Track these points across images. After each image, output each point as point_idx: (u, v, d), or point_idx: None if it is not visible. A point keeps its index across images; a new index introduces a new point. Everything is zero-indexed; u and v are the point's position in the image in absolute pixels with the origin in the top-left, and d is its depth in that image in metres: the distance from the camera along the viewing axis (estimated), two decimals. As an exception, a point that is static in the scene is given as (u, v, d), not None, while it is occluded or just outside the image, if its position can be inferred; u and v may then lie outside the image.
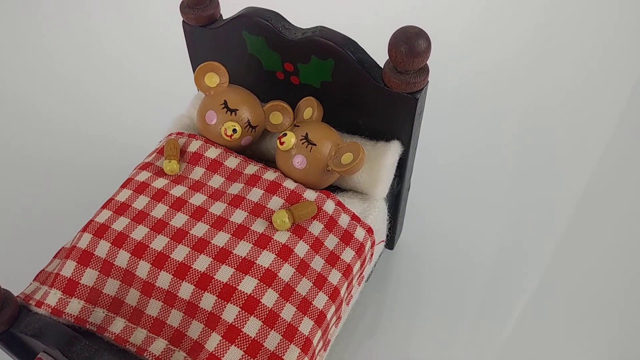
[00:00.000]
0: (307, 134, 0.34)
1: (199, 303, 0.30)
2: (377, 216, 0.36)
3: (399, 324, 0.44)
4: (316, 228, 0.33)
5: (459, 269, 0.47)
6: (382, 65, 0.34)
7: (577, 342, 0.43)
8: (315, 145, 0.34)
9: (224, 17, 0.38)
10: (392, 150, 0.36)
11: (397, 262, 0.47)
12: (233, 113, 0.35)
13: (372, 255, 0.37)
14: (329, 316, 0.32)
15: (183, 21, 0.38)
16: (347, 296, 0.35)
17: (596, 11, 0.68)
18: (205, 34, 0.38)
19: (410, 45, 0.31)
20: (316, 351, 0.32)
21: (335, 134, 0.35)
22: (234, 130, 0.35)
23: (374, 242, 0.36)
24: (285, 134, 0.34)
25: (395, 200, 0.41)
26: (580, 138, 0.56)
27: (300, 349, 0.30)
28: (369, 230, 0.35)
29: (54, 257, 0.34)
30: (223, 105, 0.35)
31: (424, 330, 0.43)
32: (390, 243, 0.46)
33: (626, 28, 0.66)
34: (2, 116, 0.57)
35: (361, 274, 0.36)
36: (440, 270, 0.46)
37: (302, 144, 0.34)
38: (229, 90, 0.36)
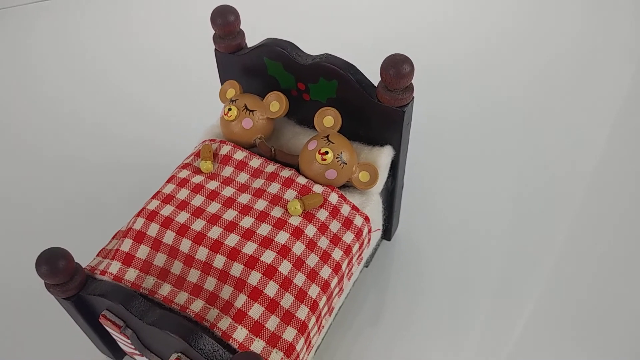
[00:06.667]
0: (341, 153, 0.42)
1: (230, 271, 0.38)
2: (373, 208, 0.44)
3: (398, 311, 0.50)
4: (322, 215, 0.41)
5: (453, 257, 0.53)
6: (375, 85, 0.42)
7: (579, 339, 0.48)
8: (346, 164, 0.42)
9: (249, 46, 0.47)
10: (385, 154, 0.44)
11: (395, 252, 0.54)
12: (234, 102, 0.45)
13: (369, 240, 0.45)
14: (332, 285, 0.40)
15: (215, 49, 0.47)
16: (348, 272, 0.42)
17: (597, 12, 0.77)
18: (233, 60, 0.46)
19: (397, 69, 0.39)
20: (322, 313, 0.40)
21: (355, 153, 0.43)
22: (229, 109, 0.44)
23: (370, 228, 0.44)
24: (327, 152, 0.41)
25: (390, 196, 0.49)
26: (583, 127, 0.63)
27: (309, 308, 0.38)
28: (366, 219, 0.43)
29: (112, 238, 0.43)
30: (229, 100, 0.45)
31: (421, 316, 0.49)
32: (387, 234, 0.53)
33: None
34: (64, 129, 0.67)
35: (360, 255, 0.44)
36: (434, 258, 0.53)
37: (337, 162, 0.42)
38: (239, 95, 0.46)
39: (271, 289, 0.37)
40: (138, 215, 0.41)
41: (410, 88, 0.41)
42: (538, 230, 0.55)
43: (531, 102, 0.67)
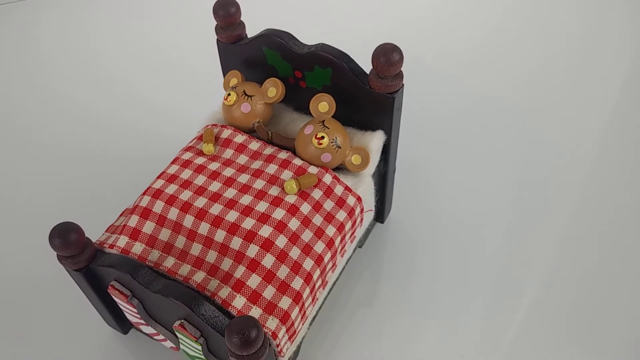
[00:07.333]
0: (336, 138, 0.45)
1: (230, 244, 0.41)
2: (365, 189, 0.47)
3: (390, 291, 0.52)
4: (317, 194, 0.44)
5: (444, 240, 0.56)
6: (367, 72, 0.45)
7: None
8: (340, 148, 0.45)
9: (249, 36, 0.49)
10: (377, 138, 0.47)
11: (389, 234, 0.57)
12: (234, 88, 0.47)
13: (362, 220, 0.47)
14: (325, 259, 0.43)
15: (217, 39, 0.49)
16: (341, 249, 0.45)
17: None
18: (234, 49, 0.49)
19: (387, 57, 0.42)
20: (316, 286, 0.42)
21: (349, 138, 0.46)
22: (229, 94, 0.47)
23: (362, 208, 0.46)
24: (323, 137, 0.44)
25: (382, 179, 0.52)
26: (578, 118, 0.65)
27: (304, 279, 0.41)
28: (359, 199, 0.46)
29: (120, 215, 0.45)
30: (230, 88, 0.48)
31: (413, 297, 0.52)
32: (380, 217, 0.56)
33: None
34: (70, 121, 0.69)
35: (352, 233, 0.47)
36: (426, 241, 0.56)
37: (332, 146, 0.45)
38: (240, 82, 0.48)
39: (268, 261, 0.40)
40: (144, 193, 0.44)
41: (400, 75, 0.44)
42: (531, 218, 0.58)
43: (527, 95, 0.69)
